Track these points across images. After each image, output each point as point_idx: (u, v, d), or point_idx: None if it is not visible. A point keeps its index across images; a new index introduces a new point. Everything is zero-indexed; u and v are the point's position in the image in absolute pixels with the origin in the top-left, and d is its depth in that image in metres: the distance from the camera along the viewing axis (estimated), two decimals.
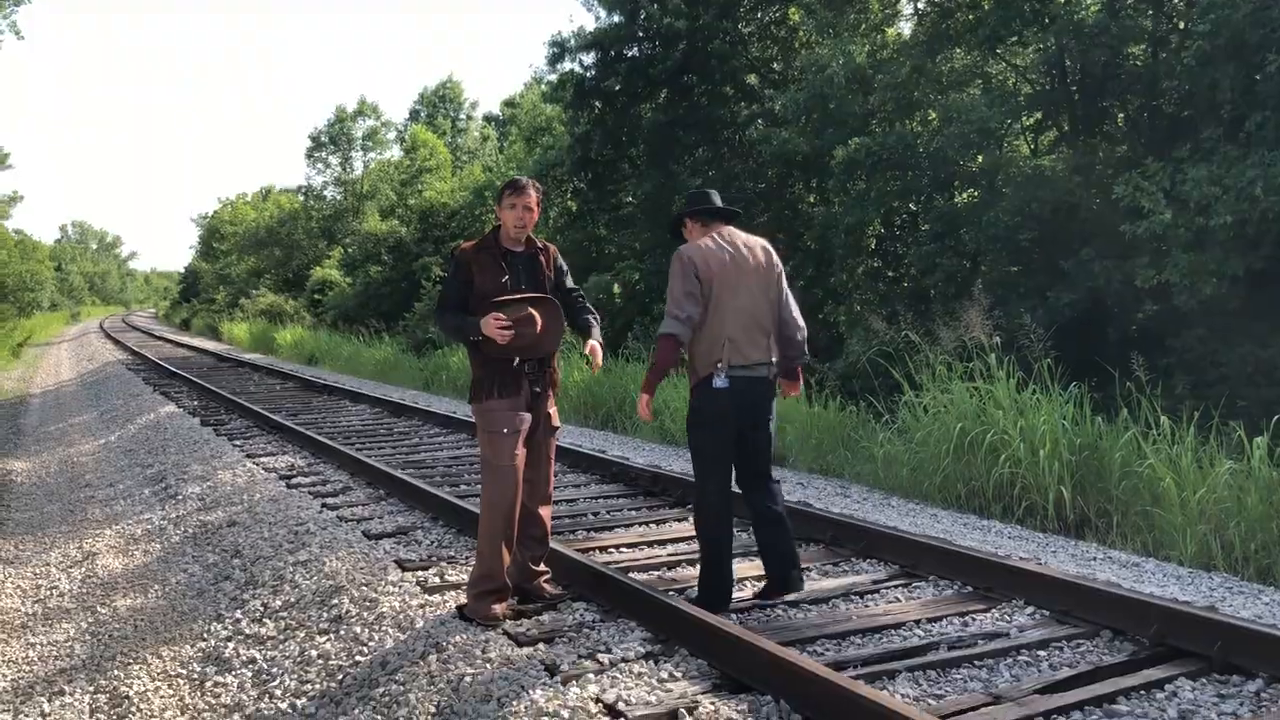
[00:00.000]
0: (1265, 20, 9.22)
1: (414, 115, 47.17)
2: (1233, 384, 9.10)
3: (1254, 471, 6.52)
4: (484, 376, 4.66)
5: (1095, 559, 6.08)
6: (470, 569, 4.94)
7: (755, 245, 4.80)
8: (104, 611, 6.17)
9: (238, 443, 10.73)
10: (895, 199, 13.36)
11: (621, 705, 3.62)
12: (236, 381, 18.51)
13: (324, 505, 7.34)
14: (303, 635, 5.00)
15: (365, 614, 4.97)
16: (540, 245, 4.86)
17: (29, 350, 37.80)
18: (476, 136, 44.19)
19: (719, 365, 4.60)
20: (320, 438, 10.01)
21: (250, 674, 4.76)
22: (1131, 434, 7.38)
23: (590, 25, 18.78)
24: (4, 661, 5.59)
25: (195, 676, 4.92)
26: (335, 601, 5.24)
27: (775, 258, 4.83)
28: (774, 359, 4.75)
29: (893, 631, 4.48)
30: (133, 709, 4.68)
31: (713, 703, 3.65)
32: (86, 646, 5.64)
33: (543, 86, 27.43)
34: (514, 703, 3.74)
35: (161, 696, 4.78)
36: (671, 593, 4.77)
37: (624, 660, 4.09)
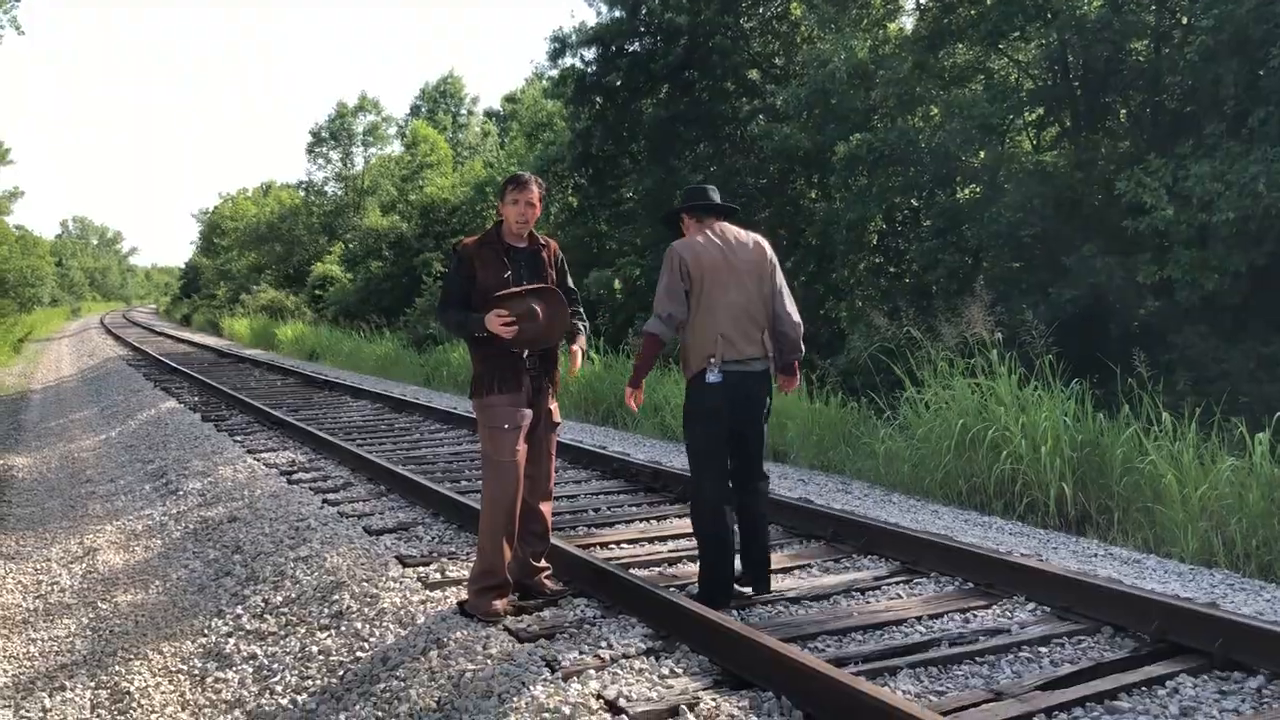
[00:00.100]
0: (1269, 15, 9.20)
1: (415, 110, 47.19)
2: (1234, 380, 9.09)
3: (1255, 468, 6.52)
4: (485, 372, 4.65)
5: (1096, 555, 6.08)
6: (471, 565, 4.94)
7: (748, 240, 4.80)
8: (105, 607, 6.17)
9: (239, 438, 10.73)
10: (897, 195, 13.35)
11: (623, 701, 3.62)
12: (237, 377, 18.51)
13: (325, 501, 7.34)
14: (304, 631, 5.00)
15: (366, 610, 4.97)
16: (542, 241, 4.85)
17: (30, 346, 37.83)
18: (477, 132, 44.20)
19: (712, 360, 4.62)
20: (321, 433, 10.00)
21: (251, 670, 4.76)
22: (1133, 430, 7.37)
23: (591, 20, 18.81)
24: (5, 657, 5.59)
25: (196, 672, 4.92)
26: (336, 597, 5.24)
27: (769, 252, 4.83)
28: (769, 353, 4.74)
29: (894, 628, 4.47)
30: (134, 704, 4.68)
31: (714, 699, 3.64)
32: (87, 642, 5.64)
33: (544, 82, 27.46)
34: (515, 698, 3.74)
35: (162, 692, 4.78)
36: (672, 589, 4.76)
37: (625, 656, 4.08)
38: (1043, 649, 4.19)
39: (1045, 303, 10.47)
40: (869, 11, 15.28)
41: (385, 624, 4.75)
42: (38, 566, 7.36)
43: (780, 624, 4.46)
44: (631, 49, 18.14)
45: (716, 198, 4.92)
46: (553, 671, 3.92)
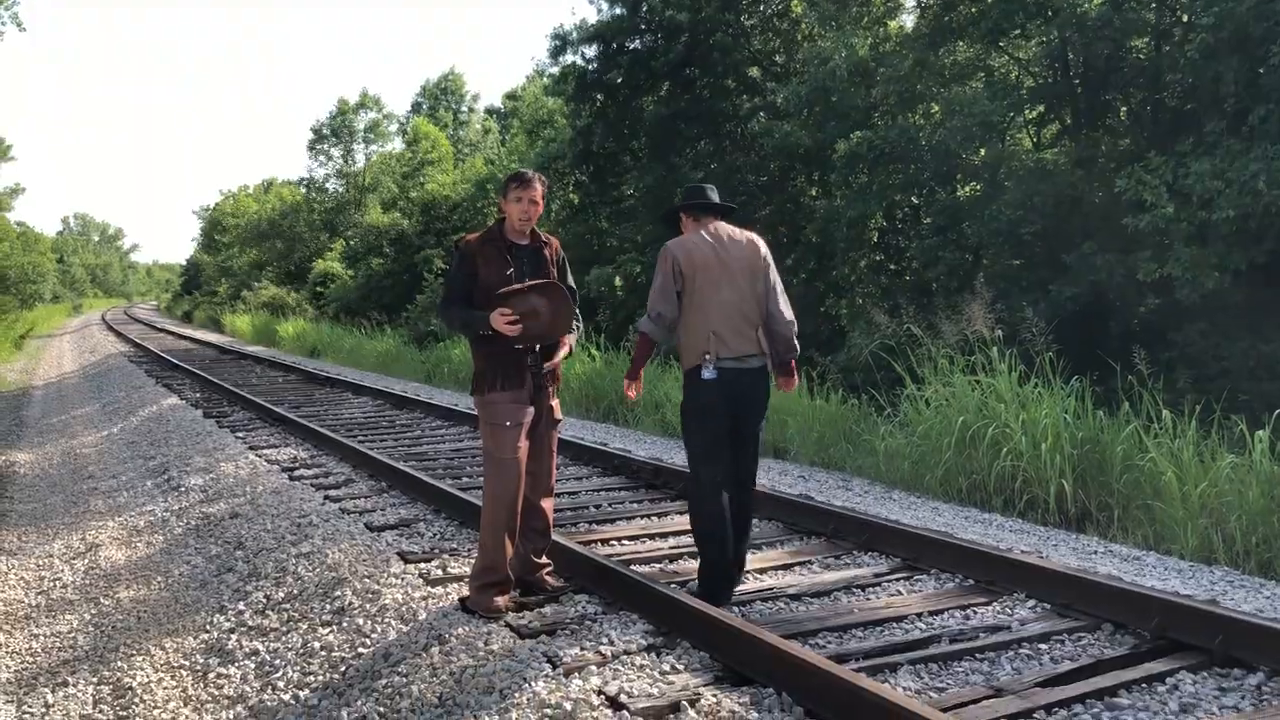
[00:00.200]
0: (1269, 13, 9.20)
1: (416, 108, 47.15)
2: (1234, 378, 9.10)
3: (1255, 465, 6.52)
4: (486, 369, 4.66)
5: (1096, 552, 6.09)
6: (472, 561, 4.95)
7: (742, 239, 4.84)
8: (107, 603, 6.19)
9: (240, 435, 10.74)
10: (897, 192, 13.35)
11: (624, 697, 3.63)
12: (239, 374, 18.52)
13: (326, 497, 7.35)
14: (305, 627, 5.01)
15: (368, 606, 4.98)
16: (544, 238, 4.86)
17: (31, 342, 37.83)
18: (478, 129, 44.15)
19: (706, 357, 4.65)
20: (322, 430, 10.01)
21: (253, 665, 4.77)
22: (1133, 428, 7.38)
23: (592, 18, 18.77)
24: (8, 652, 5.60)
25: (198, 668, 4.93)
26: (338, 593, 5.25)
27: (763, 250, 4.86)
28: (765, 350, 4.76)
29: (894, 624, 4.48)
30: (136, 700, 4.70)
31: (714, 695, 3.66)
32: (89, 638, 5.66)
33: (544, 79, 27.43)
34: (516, 694, 3.75)
35: (164, 688, 4.79)
36: (673, 585, 4.77)
37: (626, 652, 4.09)
38: (1043, 646, 4.20)
39: (1045, 300, 10.47)
40: (870, 9, 15.27)
41: (387, 620, 4.76)
42: (40, 562, 7.38)
43: (781, 620, 4.47)
44: (632, 46, 18.13)
45: (715, 197, 4.95)
46: (554, 667, 3.94)
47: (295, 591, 5.51)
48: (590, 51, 18.65)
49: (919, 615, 4.57)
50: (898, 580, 5.15)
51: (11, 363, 28.48)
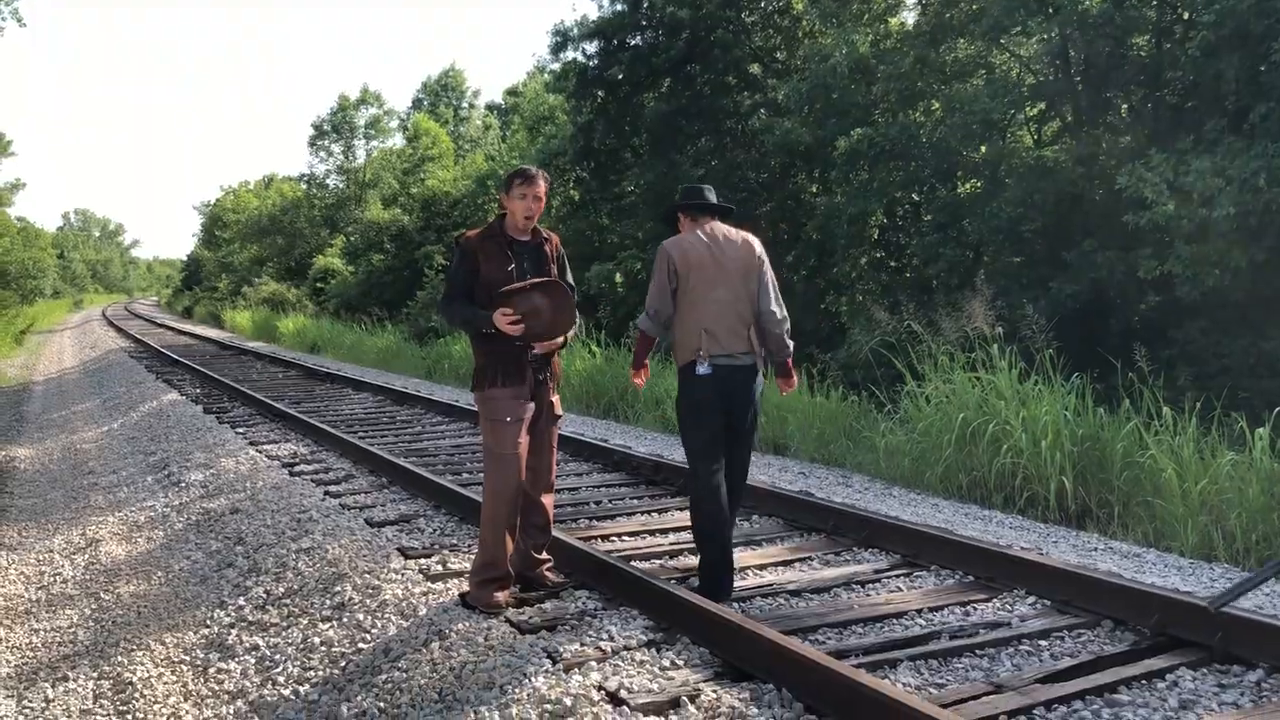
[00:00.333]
0: (1270, 10, 9.19)
1: (416, 104, 47.12)
2: (1235, 375, 9.10)
3: (1255, 463, 6.52)
4: (487, 365, 4.66)
5: (1096, 549, 6.09)
6: (473, 557, 4.95)
7: (737, 239, 4.90)
8: (107, 598, 6.19)
9: (240, 430, 10.74)
10: (898, 189, 13.35)
11: (624, 693, 3.63)
12: (239, 369, 18.53)
13: (326, 493, 7.35)
14: (306, 622, 5.01)
15: (368, 601, 4.98)
16: (544, 234, 4.86)
17: (32, 337, 37.84)
18: (479, 125, 44.15)
19: (699, 354, 4.72)
20: (323, 426, 10.02)
21: (253, 661, 4.78)
22: (1133, 425, 7.38)
23: (593, 14, 18.87)
24: (8, 647, 5.61)
25: (199, 663, 4.94)
26: (338, 589, 5.25)
27: (758, 250, 4.91)
28: (755, 349, 4.80)
29: (894, 620, 4.49)
30: (136, 695, 4.70)
31: (714, 691, 3.66)
32: (90, 632, 5.66)
33: (545, 76, 27.44)
34: (516, 690, 3.75)
35: (165, 683, 4.80)
36: (673, 581, 4.78)
37: (626, 648, 4.10)
38: (1043, 642, 4.21)
39: (1046, 297, 10.47)
40: (870, 6, 15.27)
41: (387, 615, 4.76)
42: (40, 557, 7.38)
43: (781, 616, 4.47)
44: (633, 43, 18.12)
45: (712, 197, 5.01)
46: (554, 663, 3.94)
47: (295, 587, 5.51)
48: (591, 48, 18.65)
49: (919, 611, 4.57)
50: (898, 576, 5.16)
51: (12, 358, 28.49)
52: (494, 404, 4.63)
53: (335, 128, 44.29)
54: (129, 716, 4.51)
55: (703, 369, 4.70)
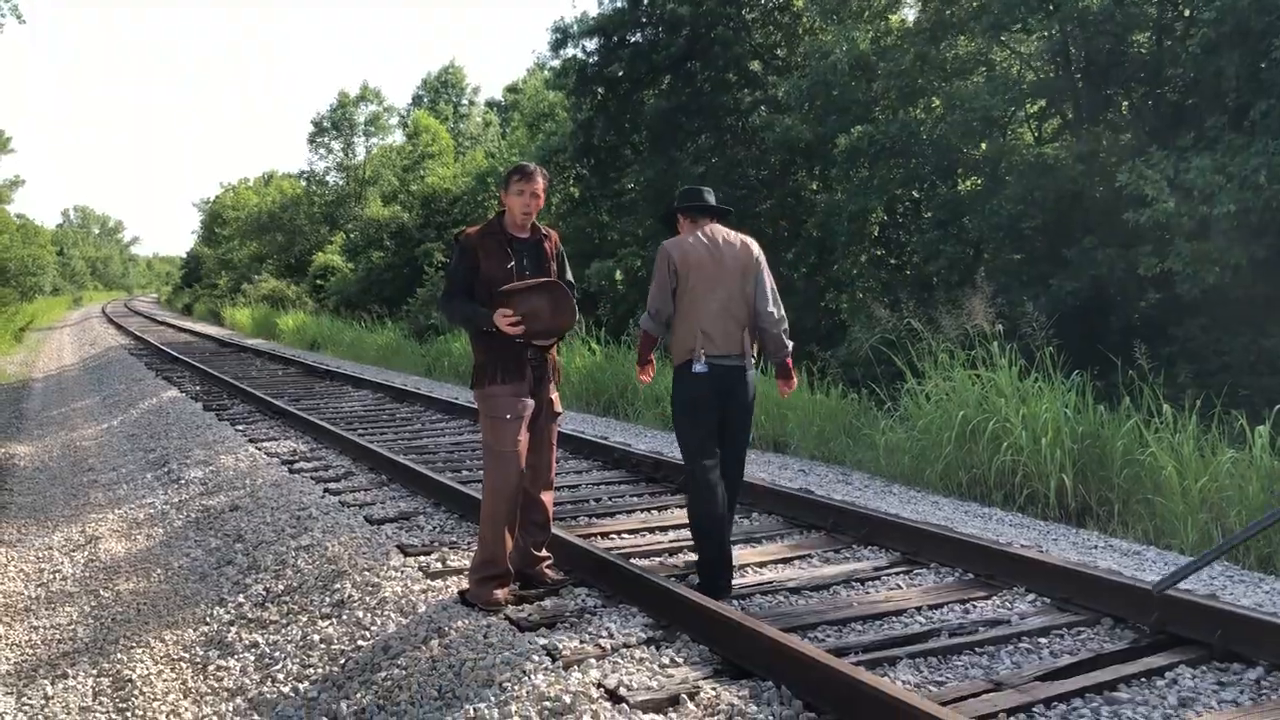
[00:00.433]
0: (1271, 7, 9.18)
1: (416, 101, 47.08)
2: (1235, 373, 9.10)
3: (1255, 460, 6.53)
4: (487, 362, 4.66)
5: (1096, 547, 6.09)
6: (472, 554, 4.95)
7: (736, 241, 4.94)
8: (106, 595, 6.19)
9: (240, 427, 10.74)
10: (898, 186, 13.34)
11: (623, 690, 3.63)
12: (239, 366, 18.52)
13: (326, 490, 7.35)
14: (305, 620, 5.01)
15: (367, 599, 4.98)
16: (544, 231, 4.86)
17: (31, 335, 37.83)
18: (479, 122, 44.12)
19: (694, 353, 4.76)
20: (322, 423, 10.02)
21: (253, 658, 4.78)
22: (1133, 422, 7.38)
23: (593, 11, 18.86)
24: (7, 644, 5.61)
25: (198, 660, 4.94)
26: (337, 586, 5.25)
27: (756, 252, 4.95)
28: (747, 350, 4.83)
29: (894, 618, 4.49)
30: (135, 692, 4.70)
31: (714, 688, 3.66)
32: (89, 630, 5.66)
33: (545, 72, 27.43)
34: (516, 687, 3.75)
35: (164, 680, 4.80)
36: (673, 579, 4.78)
37: (625, 646, 4.10)
38: (1042, 640, 4.21)
39: (1046, 295, 10.46)
40: (871, 3, 15.24)
41: (386, 613, 4.76)
42: (40, 554, 7.38)
43: (780, 614, 4.47)
44: (633, 40, 18.09)
45: (711, 199, 5.06)
46: (553, 660, 3.94)
47: (295, 584, 5.51)
48: (591, 45, 18.63)
49: (918, 609, 4.57)
50: (897, 574, 5.16)
51: (11, 355, 28.48)
52: (494, 401, 4.63)
53: (335, 124, 44.25)
54: (128, 714, 4.51)
55: (699, 366, 4.76)
